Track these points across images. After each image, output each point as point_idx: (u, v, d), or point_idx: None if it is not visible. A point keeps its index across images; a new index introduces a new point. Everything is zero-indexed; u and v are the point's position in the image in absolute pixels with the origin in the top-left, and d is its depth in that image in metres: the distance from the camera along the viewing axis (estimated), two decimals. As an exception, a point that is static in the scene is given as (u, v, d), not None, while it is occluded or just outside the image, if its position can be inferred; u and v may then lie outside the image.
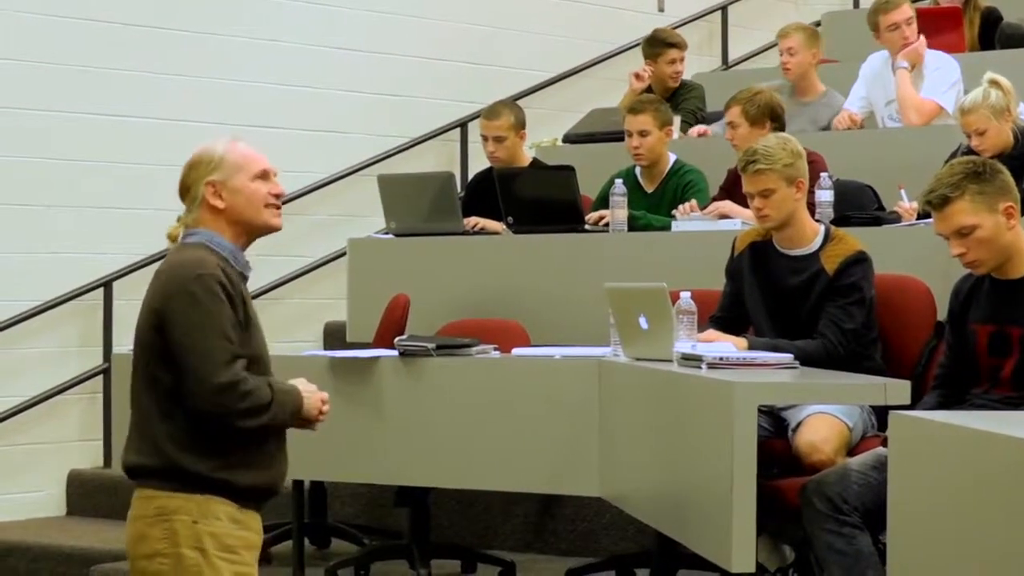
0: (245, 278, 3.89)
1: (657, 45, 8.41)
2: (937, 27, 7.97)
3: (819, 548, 4.66)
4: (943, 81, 7.47)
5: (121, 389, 4.49)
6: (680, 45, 8.40)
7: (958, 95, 7.36)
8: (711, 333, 5.27)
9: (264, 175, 3.93)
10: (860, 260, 5.31)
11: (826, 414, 5.05)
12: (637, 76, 8.39)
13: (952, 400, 4.76)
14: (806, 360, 5.01)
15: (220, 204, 3.87)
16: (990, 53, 8.33)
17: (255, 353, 3.82)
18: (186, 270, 3.77)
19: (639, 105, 7.13)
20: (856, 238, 5.41)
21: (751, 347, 5.16)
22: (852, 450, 5.05)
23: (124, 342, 7.29)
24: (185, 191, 3.89)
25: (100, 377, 7.79)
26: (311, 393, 3.92)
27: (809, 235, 5.39)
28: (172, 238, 3.92)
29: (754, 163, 5.30)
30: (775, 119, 6.59)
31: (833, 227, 5.49)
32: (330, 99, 8.81)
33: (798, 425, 5.07)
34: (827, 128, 7.76)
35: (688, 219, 6.57)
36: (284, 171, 9.05)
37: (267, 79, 8.54)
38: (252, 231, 3.93)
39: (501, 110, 7.45)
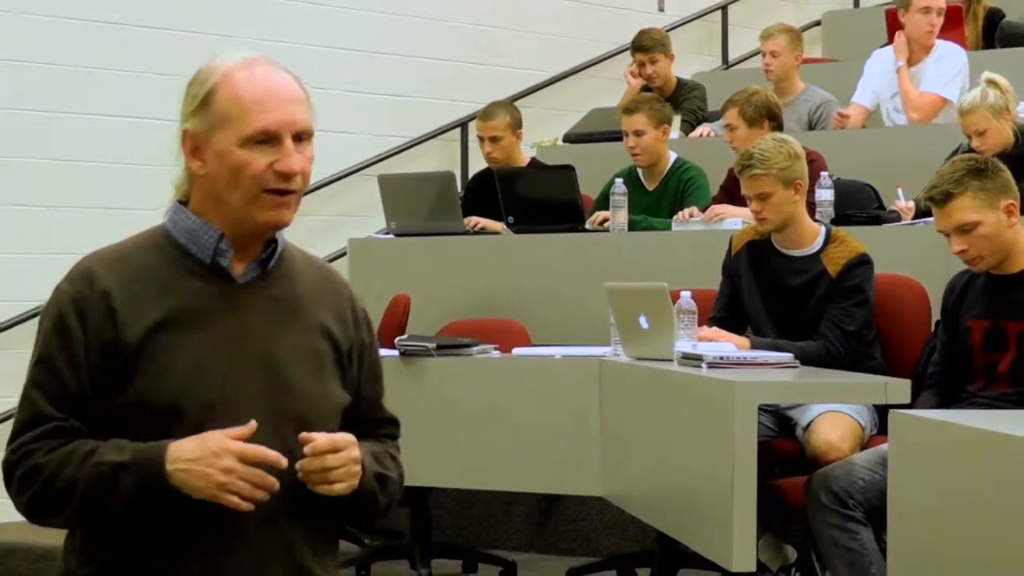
0: (218, 268, 2.59)
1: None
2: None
3: (823, 543, 4.65)
4: (946, 72, 7.43)
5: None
6: (644, 48, 8.20)
7: (962, 86, 7.35)
8: (714, 331, 5.25)
9: (267, 137, 2.54)
10: (863, 262, 5.28)
11: (839, 412, 5.01)
12: (632, 74, 8.38)
13: (948, 397, 4.75)
14: (807, 361, 4.99)
15: (198, 169, 2.58)
16: (990, 52, 8.32)
17: (141, 399, 2.51)
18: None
19: (633, 105, 7.12)
20: (858, 240, 5.40)
21: (753, 347, 5.16)
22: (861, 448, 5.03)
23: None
24: None
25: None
26: (199, 458, 2.45)
27: (809, 236, 5.37)
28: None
29: (750, 167, 5.27)
30: (773, 118, 6.55)
31: (834, 228, 5.48)
32: (330, 99, 8.79)
33: (809, 424, 5.02)
34: (811, 123, 7.74)
35: (687, 225, 6.55)
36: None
37: (267, 79, 8.53)
38: (242, 223, 2.58)
39: (496, 111, 7.44)
